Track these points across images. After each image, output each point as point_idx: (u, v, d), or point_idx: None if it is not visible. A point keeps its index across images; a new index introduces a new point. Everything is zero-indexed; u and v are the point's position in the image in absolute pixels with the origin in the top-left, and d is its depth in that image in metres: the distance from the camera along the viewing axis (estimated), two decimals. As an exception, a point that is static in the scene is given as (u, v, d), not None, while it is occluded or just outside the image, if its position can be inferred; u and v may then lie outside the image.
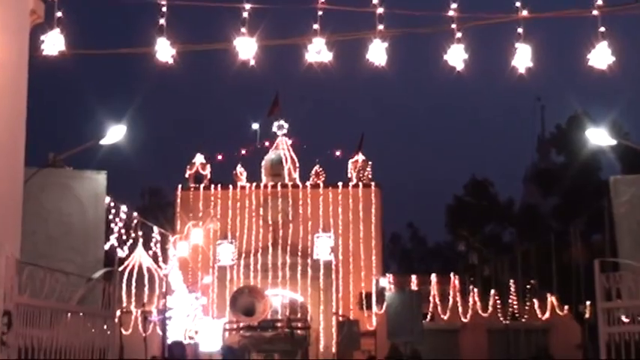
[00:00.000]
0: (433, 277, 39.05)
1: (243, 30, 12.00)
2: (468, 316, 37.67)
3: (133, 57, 12.89)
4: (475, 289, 37.91)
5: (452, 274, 39.07)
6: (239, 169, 42.84)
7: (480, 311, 37.30)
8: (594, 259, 11.52)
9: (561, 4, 12.65)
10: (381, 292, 36.04)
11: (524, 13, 11.95)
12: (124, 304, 27.44)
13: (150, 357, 24.91)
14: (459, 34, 11.99)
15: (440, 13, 11.97)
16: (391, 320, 24.06)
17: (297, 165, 43.07)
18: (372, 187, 41.36)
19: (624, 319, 10.92)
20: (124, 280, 27.25)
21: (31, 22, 10.95)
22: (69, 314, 10.09)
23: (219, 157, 43.27)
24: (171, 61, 12.13)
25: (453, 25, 11.97)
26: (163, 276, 28.45)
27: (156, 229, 29.15)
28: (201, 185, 41.90)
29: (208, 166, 42.65)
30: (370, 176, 41.88)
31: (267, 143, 43.33)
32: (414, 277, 39.23)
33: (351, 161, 42.30)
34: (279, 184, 41.48)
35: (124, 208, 23.61)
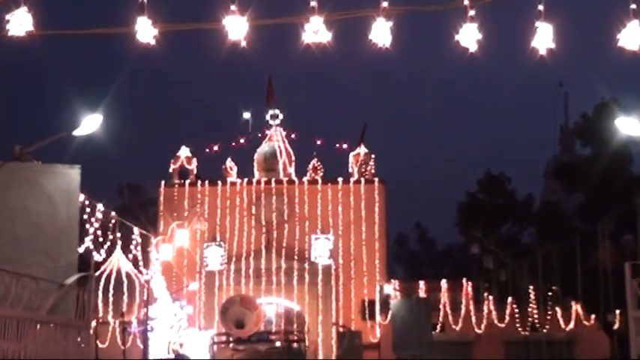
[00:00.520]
0: (443, 283, 39.10)
1: (232, 8, 11.95)
2: (483, 326, 37.69)
3: (111, 38, 12.84)
4: (490, 297, 37.93)
5: (464, 280, 39.13)
6: (229, 163, 42.81)
7: (495, 321, 37.32)
8: (625, 263, 11.50)
9: (587, -22, 12.60)
10: (385, 300, 36.01)
11: (546, -13, 11.90)
12: (101, 314, 27.46)
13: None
14: (472, 12, 11.92)
15: (451, -12, 11.94)
16: (397, 331, 24.13)
17: (293, 159, 43.06)
18: (376, 183, 41.33)
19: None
20: (101, 287, 27.27)
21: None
22: (38, 325, 10.07)
23: (207, 149, 43.26)
24: (153, 42, 12.08)
25: (466, 2, 11.91)
26: (144, 282, 28.45)
27: (136, 229, 29.15)
28: (187, 181, 41.86)
29: (194, 160, 42.61)
30: (373, 171, 41.85)
31: (260, 134, 43.34)
32: (422, 283, 39.28)
33: (352, 154, 42.28)
34: (274, 179, 41.45)
35: (100, 206, 23.59)
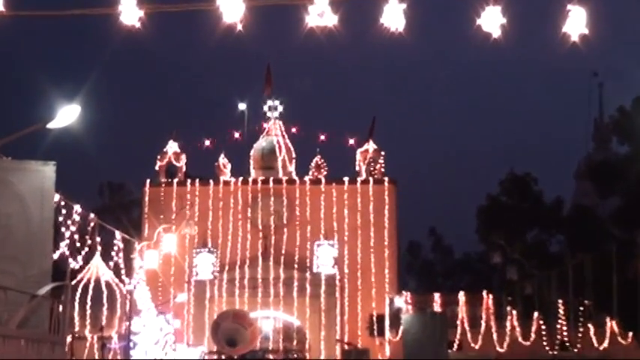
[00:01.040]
0: (461, 295, 39.09)
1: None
2: (505, 344, 37.69)
3: (91, 20, 12.84)
4: (514, 312, 37.94)
5: (484, 293, 39.11)
6: (222, 160, 42.86)
7: (520, 339, 37.32)
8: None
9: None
10: (396, 315, 36.08)
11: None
12: (77, 328, 27.45)
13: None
14: (495, -7, 11.94)
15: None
16: (409, 349, 24.15)
17: (294, 155, 43.10)
18: (386, 184, 41.38)
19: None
20: (77, 298, 27.25)
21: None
22: (5, 339, 10.08)
23: (198, 145, 43.31)
24: (138, 25, 12.08)
25: (489, -19, 11.92)
26: (127, 293, 28.45)
27: (118, 234, 29.17)
28: (175, 180, 41.93)
29: (183, 157, 42.70)
30: (383, 170, 41.91)
31: (257, 128, 43.41)
32: (437, 296, 39.28)
33: (359, 151, 42.33)
34: (272, 178, 41.50)
35: (77, 207, 23.61)
